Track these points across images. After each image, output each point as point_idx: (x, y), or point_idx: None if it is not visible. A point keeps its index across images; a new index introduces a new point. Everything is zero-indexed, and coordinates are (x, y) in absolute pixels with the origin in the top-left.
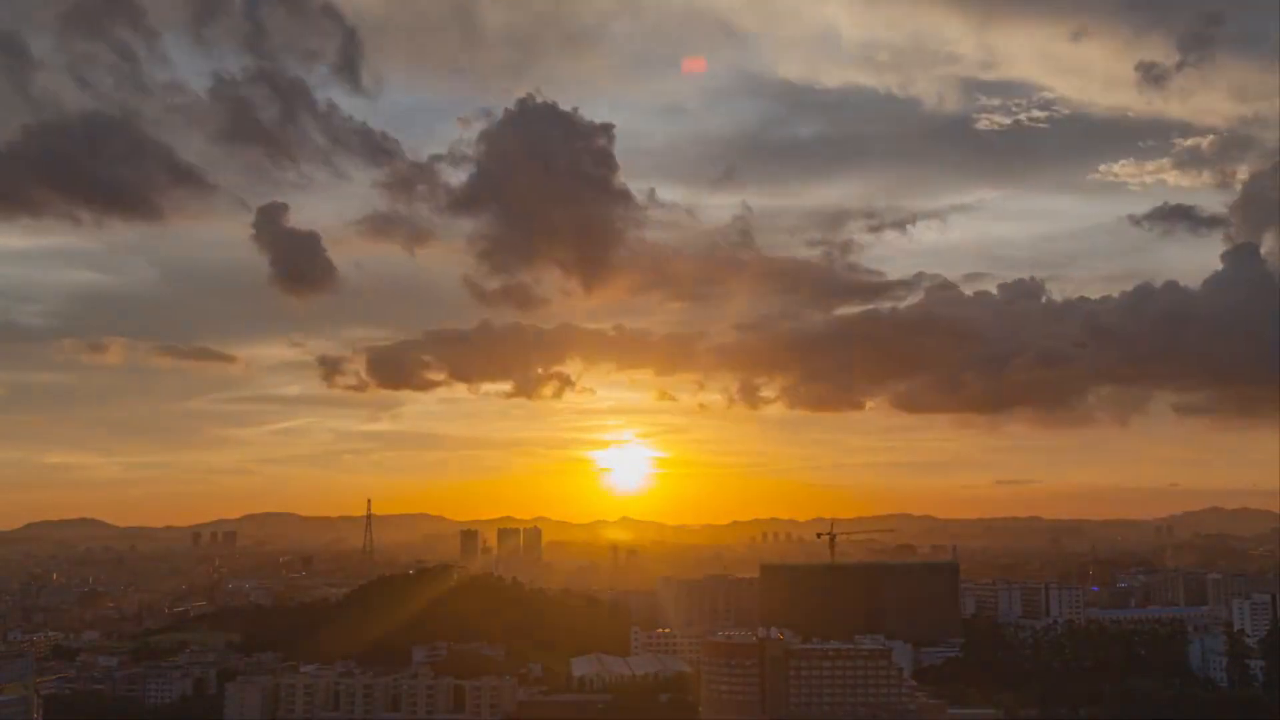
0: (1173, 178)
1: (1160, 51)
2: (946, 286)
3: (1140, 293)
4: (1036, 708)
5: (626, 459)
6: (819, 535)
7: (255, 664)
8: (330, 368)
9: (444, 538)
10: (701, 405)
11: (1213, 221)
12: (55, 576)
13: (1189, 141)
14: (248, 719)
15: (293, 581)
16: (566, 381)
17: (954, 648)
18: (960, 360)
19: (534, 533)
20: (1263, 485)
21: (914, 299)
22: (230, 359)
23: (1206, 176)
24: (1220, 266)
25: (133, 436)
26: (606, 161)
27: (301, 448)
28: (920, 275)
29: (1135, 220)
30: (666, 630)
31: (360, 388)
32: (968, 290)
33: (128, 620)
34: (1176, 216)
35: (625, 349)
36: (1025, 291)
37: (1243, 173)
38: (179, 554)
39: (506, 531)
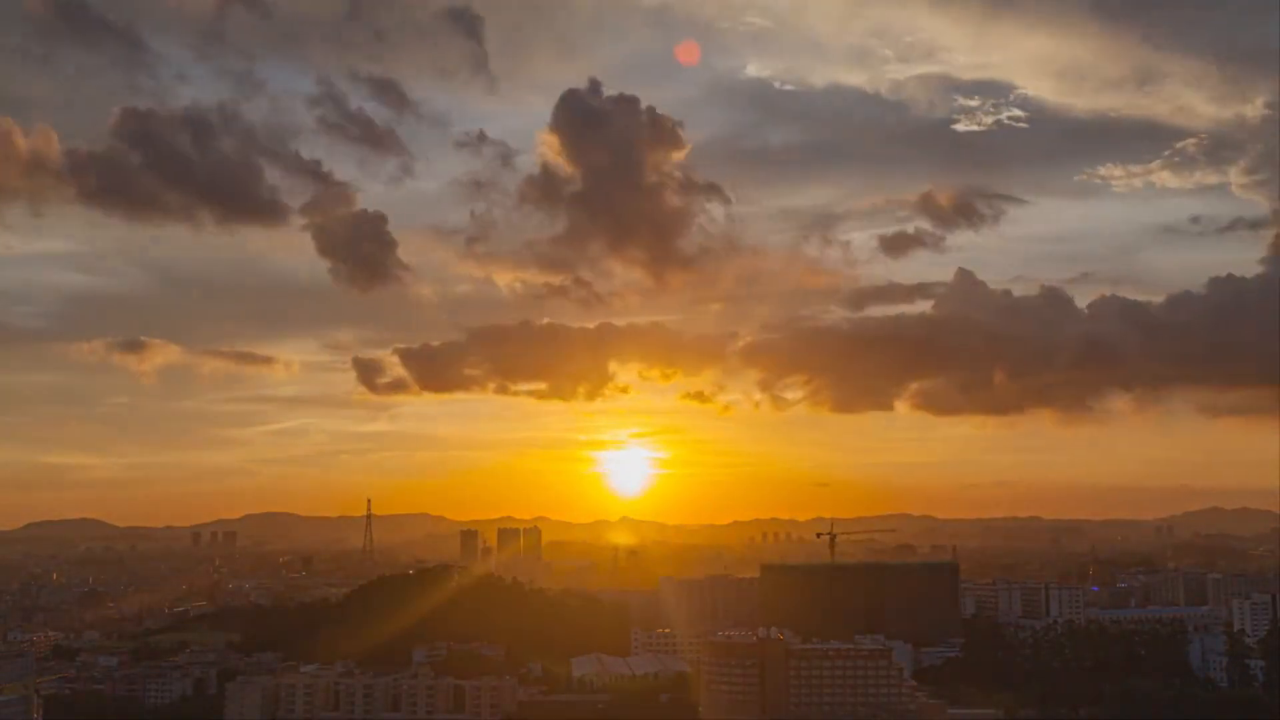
0: (1161, 179)
1: (1142, 54)
2: (965, 289)
3: (1180, 295)
4: (1036, 708)
5: (627, 459)
6: (819, 535)
7: (255, 664)
8: (365, 369)
9: (444, 538)
10: (726, 406)
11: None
12: (55, 576)
13: (1180, 144)
14: (248, 719)
15: (293, 581)
16: (600, 382)
17: (954, 648)
18: (971, 363)
19: (534, 533)
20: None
21: (937, 302)
22: (264, 360)
23: (1199, 177)
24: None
25: (133, 437)
26: (668, 157)
27: (301, 448)
28: (938, 278)
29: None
30: (666, 630)
31: (398, 388)
32: (985, 293)
33: (128, 620)
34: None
35: (657, 349)
36: (1042, 293)
37: (1235, 174)
38: (179, 554)
39: (506, 531)
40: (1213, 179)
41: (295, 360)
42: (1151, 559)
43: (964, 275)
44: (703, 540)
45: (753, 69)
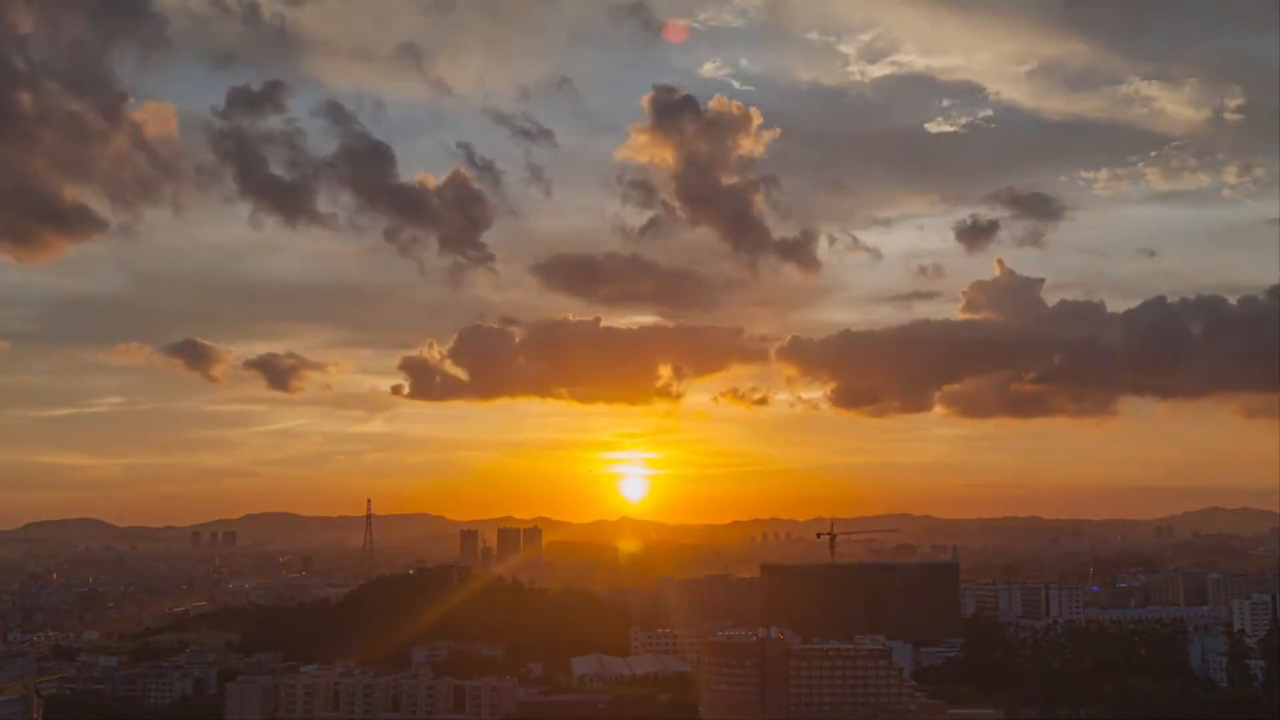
0: (1149, 182)
1: (1114, 58)
2: (988, 293)
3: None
4: (1036, 708)
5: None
6: (819, 535)
7: (255, 664)
8: (413, 371)
9: (444, 538)
10: (758, 403)
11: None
12: (55, 576)
13: (1163, 147)
14: (247, 719)
15: (293, 581)
16: (633, 383)
17: (954, 648)
18: (992, 366)
19: (534, 533)
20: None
21: (966, 305)
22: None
23: (1187, 180)
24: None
25: (132, 437)
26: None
27: (301, 448)
28: (956, 282)
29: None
30: (666, 630)
31: (448, 393)
32: (1006, 297)
33: (128, 620)
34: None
35: (689, 350)
36: (1058, 296)
37: (1230, 175)
38: (179, 554)
39: (506, 531)
40: (1200, 181)
41: (303, 361)
42: (1151, 559)
43: (985, 281)
44: (703, 540)
45: (709, 68)
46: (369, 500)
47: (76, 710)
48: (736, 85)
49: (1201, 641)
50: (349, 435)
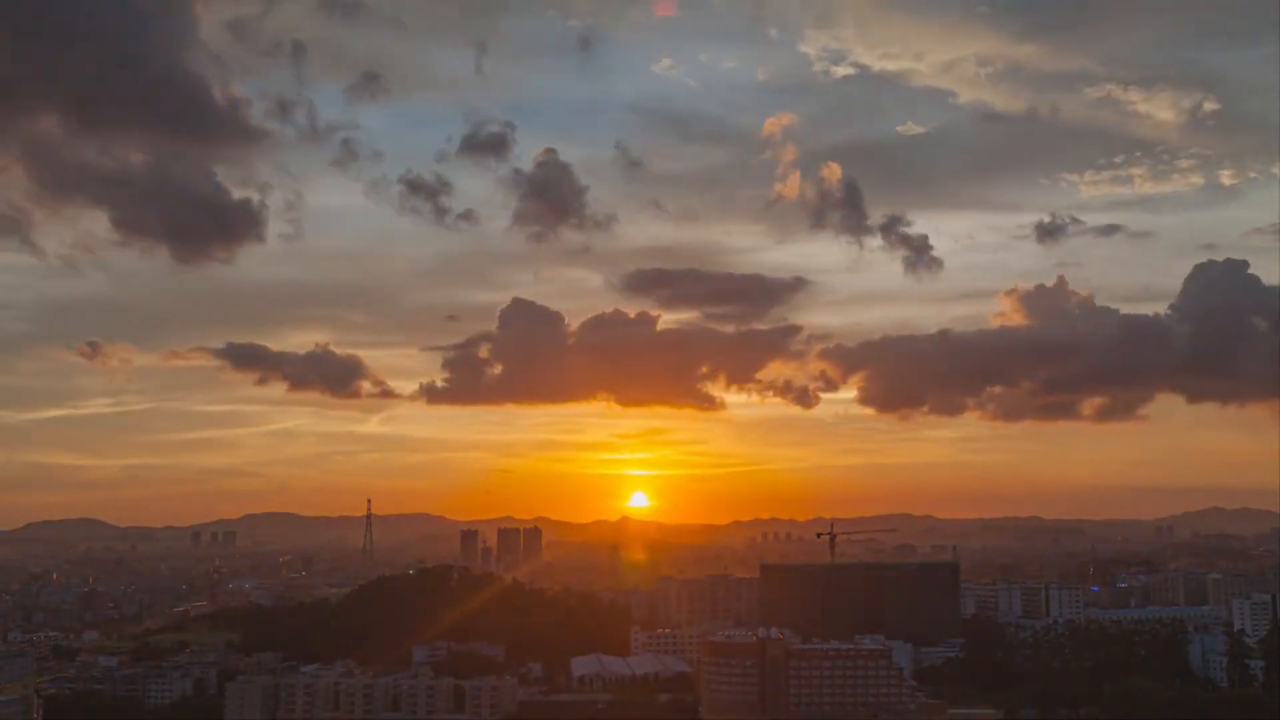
0: (1137, 184)
1: (1087, 60)
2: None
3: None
4: (1036, 708)
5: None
6: (819, 535)
7: (255, 664)
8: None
9: (444, 538)
10: (797, 403)
11: None
12: (55, 576)
13: (1144, 149)
14: (247, 719)
15: (293, 581)
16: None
17: (954, 648)
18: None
19: (534, 533)
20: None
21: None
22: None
23: (1176, 181)
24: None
25: (132, 437)
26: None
27: (301, 448)
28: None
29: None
30: (667, 630)
31: (483, 395)
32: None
33: (128, 620)
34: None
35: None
36: (1065, 300)
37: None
38: (179, 554)
39: (506, 531)
40: (1190, 183)
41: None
42: (1151, 559)
43: (1017, 288)
44: (703, 540)
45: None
46: (369, 500)
47: (76, 710)
48: (691, 84)
49: (1201, 641)
50: (348, 435)
